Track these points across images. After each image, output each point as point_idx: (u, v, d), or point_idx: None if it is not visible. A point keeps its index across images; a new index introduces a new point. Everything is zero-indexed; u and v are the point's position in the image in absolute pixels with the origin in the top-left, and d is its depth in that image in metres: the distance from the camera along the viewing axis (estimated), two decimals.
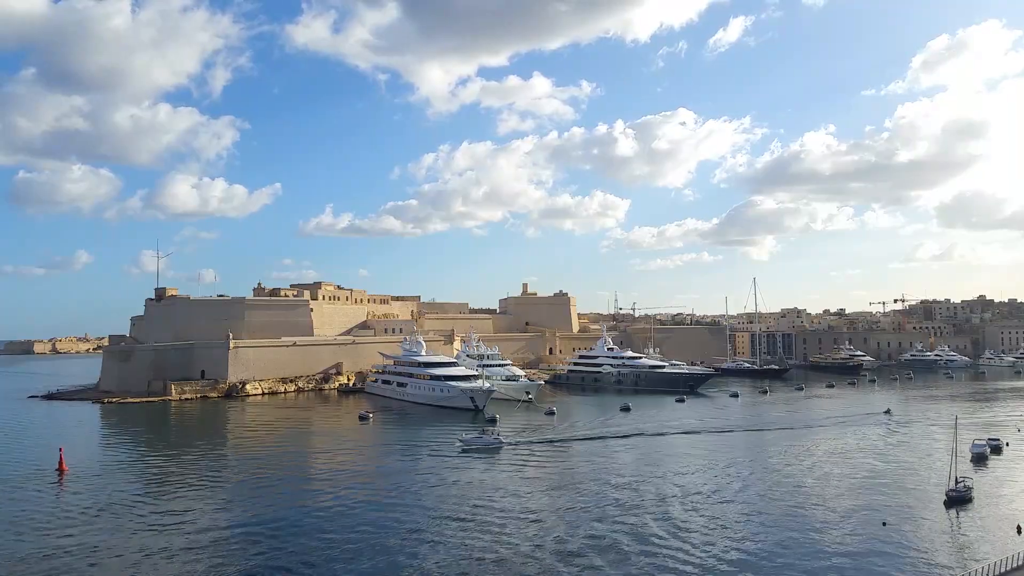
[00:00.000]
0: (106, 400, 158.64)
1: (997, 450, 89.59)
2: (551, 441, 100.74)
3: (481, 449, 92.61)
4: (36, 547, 55.34)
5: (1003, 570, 45.70)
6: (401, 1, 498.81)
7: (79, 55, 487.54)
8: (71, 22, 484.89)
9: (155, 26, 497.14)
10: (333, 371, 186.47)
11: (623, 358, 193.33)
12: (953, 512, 62.90)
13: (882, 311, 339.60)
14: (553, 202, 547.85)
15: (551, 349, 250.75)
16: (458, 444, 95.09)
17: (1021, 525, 57.09)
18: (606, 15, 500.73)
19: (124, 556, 53.09)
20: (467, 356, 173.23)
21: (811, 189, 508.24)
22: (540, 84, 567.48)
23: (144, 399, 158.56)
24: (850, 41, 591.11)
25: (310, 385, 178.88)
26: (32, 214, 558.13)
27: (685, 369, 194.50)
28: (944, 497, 65.85)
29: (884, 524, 58.78)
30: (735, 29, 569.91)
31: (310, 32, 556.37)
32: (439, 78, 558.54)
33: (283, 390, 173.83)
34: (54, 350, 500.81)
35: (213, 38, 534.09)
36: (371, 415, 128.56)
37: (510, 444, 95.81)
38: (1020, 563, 46.60)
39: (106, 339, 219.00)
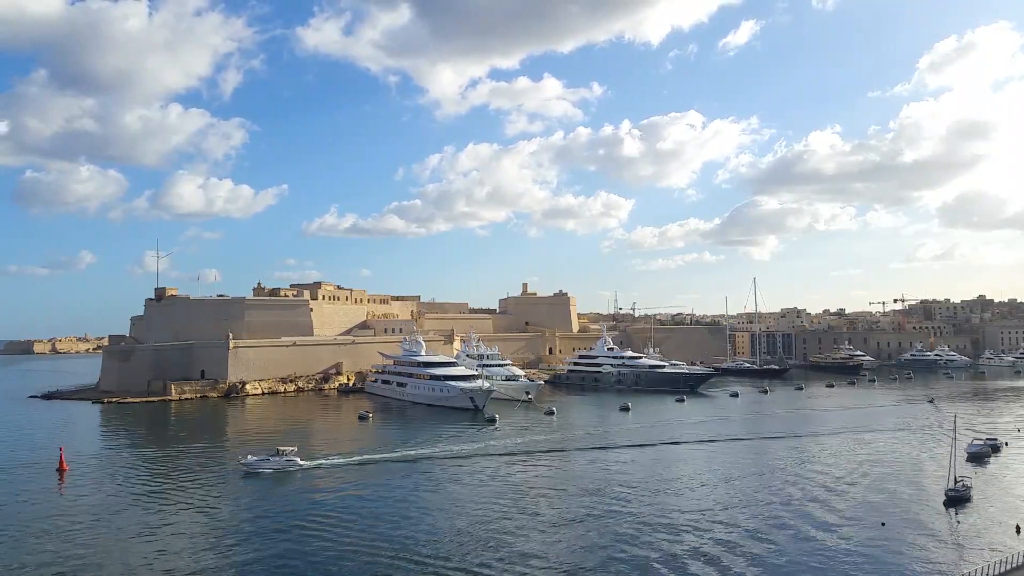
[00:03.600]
0: (106, 400, 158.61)
1: (996, 450, 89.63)
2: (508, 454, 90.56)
3: (268, 474, 78.82)
4: (36, 546, 55.35)
5: (1003, 570, 45.75)
6: (413, 3, 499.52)
7: (93, 57, 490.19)
8: (86, 24, 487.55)
9: (169, 28, 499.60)
10: (333, 371, 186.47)
11: (623, 358, 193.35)
12: (952, 512, 62.94)
13: (882, 311, 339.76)
14: (556, 202, 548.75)
15: (551, 349, 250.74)
16: (240, 466, 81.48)
17: (1020, 525, 57.16)
18: (618, 17, 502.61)
19: (124, 555, 53.17)
20: (467, 356, 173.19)
21: (815, 190, 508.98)
22: (551, 86, 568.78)
23: (144, 399, 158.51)
24: (858, 43, 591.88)
25: (310, 385, 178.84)
26: (37, 214, 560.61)
27: (685, 369, 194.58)
28: (943, 497, 65.91)
29: (883, 524, 58.83)
30: (744, 32, 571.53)
31: (321, 35, 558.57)
32: (450, 80, 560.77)
33: (283, 390, 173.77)
34: (54, 350, 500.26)
35: (226, 41, 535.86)
36: (370, 415, 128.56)
37: (307, 467, 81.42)
38: (1020, 563, 46.66)
39: (106, 339, 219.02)
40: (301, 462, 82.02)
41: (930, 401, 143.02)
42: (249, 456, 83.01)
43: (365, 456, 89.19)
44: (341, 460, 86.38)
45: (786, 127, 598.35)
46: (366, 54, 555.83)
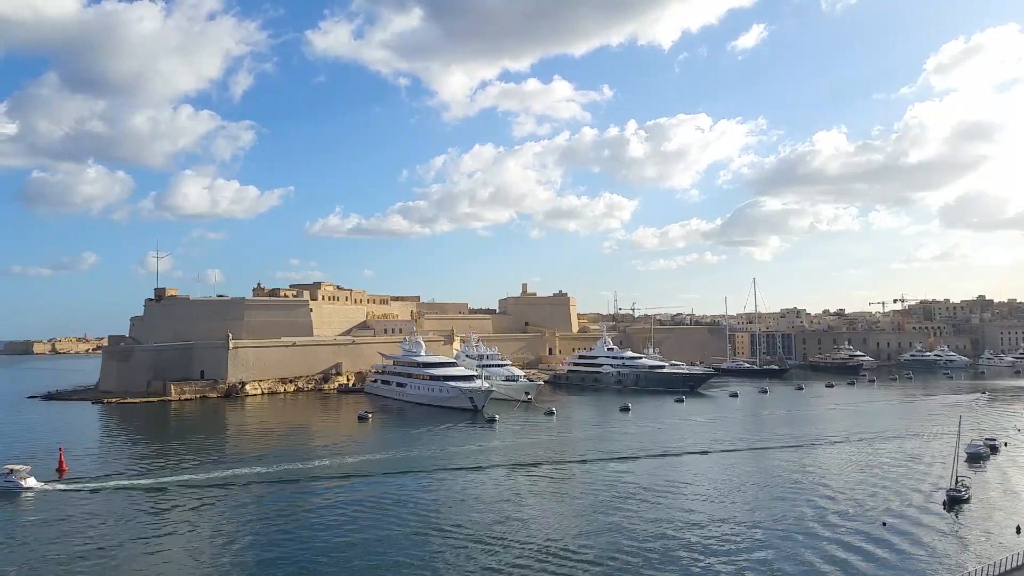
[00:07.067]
0: (105, 400, 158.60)
1: (994, 450, 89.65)
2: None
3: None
4: (36, 547, 55.31)
5: (1003, 570, 45.76)
6: (425, 6, 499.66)
7: (106, 59, 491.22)
8: (101, 26, 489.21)
9: (182, 31, 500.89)
10: (333, 371, 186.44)
11: (623, 358, 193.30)
12: (953, 512, 62.91)
13: (882, 311, 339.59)
14: (559, 203, 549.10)
15: (551, 349, 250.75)
16: None
17: (1020, 525, 57.19)
18: (631, 19, 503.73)
19: (124, 556, 53.14)
20: (467, 356, 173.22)
21: (818, 190, 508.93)
22: (560, 88, 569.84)
23: (143, 399, 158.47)
24: (866, 46, 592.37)
25: (310, 385, 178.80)
26: (42, 215, 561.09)
27: (685, 369, 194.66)
28: (944, 497, 65.88)
29: (884, 524, 58.85)
30: (753, 35, 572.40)
31: (331, 38, 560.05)
32: (460, 83, 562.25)
33: (283, 390, 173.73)
34: (53, 350, 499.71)
35: (239, 44, 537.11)
36: (370, 415, 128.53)
37: (40, 490, 72.26)
38: (1020, 563, 46.67)
39: (106, 339, 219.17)
40: (34, 483, 72.75)
41: (983, 392, 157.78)
42: None
43: (166, 478, 77.74)
44: (95, 484, 75.00)
45: (792, 128, 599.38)
46: (377, 57, 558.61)
